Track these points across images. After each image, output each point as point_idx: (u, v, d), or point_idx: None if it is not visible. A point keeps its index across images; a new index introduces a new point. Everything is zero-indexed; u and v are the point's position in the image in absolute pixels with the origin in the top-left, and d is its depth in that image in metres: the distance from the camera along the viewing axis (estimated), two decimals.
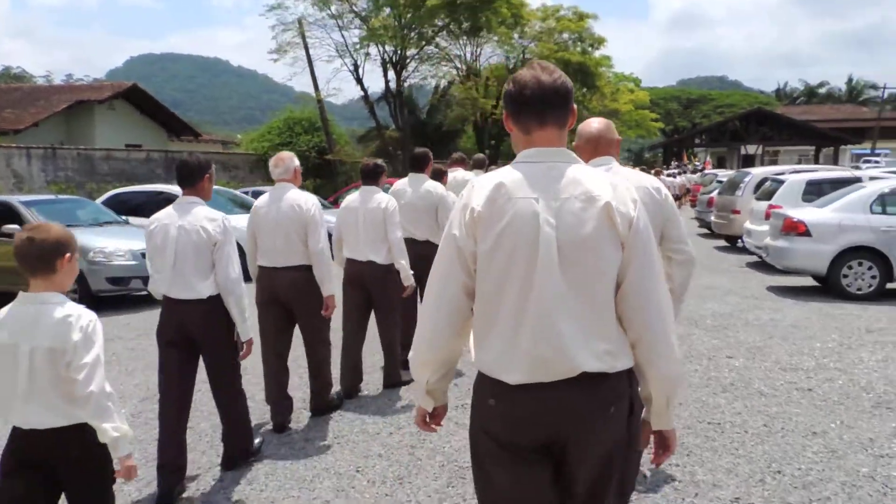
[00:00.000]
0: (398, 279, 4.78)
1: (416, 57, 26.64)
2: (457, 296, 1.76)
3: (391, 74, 26.09)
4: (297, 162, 4.26)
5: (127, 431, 2.18)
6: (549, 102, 1.73)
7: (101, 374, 2.14)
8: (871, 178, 10.28)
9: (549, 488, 1.76)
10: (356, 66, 25.41)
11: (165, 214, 3.40)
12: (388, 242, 4.65)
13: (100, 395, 2.11)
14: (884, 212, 8.37)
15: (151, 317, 5.51)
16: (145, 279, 6.38)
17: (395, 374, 5.08)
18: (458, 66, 31.12)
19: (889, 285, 8.31)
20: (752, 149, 38.84)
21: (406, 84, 27.36)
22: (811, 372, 5.36)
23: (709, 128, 44.34)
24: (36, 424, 2.16)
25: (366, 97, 26.35)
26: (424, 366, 1.87)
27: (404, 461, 3.82)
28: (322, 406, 4.52)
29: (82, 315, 2.16)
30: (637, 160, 55.57)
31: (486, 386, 1.76)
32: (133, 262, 8.45)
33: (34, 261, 2.17)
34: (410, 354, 1.92)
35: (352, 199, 4.77)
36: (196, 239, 3.28)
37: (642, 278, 1.69)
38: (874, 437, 4.04)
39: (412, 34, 24.88)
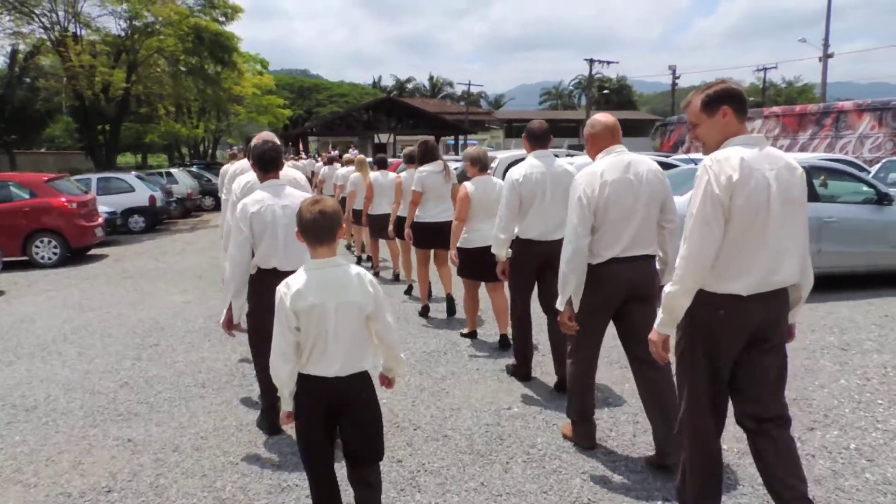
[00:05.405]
0: None
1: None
2: (719, 236, 2.41)
3: None
4: None
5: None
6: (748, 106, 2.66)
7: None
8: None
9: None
10: None
11: (266, 196, 3.67)
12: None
13: (396, 333, 2.65)
14: None
15: None
16: None
17: None
18: (48, 25, 23.86)
19: None
20: (384, 137, 39.70)
21: None
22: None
23: (341, 116, 43.95)
24: (340, 372, 2.46)
25: None
26: (688, 294, 2.46)
27: None
28: None
29: (366, 272, 2.52)
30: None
31: (715, 302, 2.47)
32: None
33: (327, 232, 2.45)
34: (669, 288, 2.48)
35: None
36: None
37: (807, 222, 2.58)
38: None
39: None
